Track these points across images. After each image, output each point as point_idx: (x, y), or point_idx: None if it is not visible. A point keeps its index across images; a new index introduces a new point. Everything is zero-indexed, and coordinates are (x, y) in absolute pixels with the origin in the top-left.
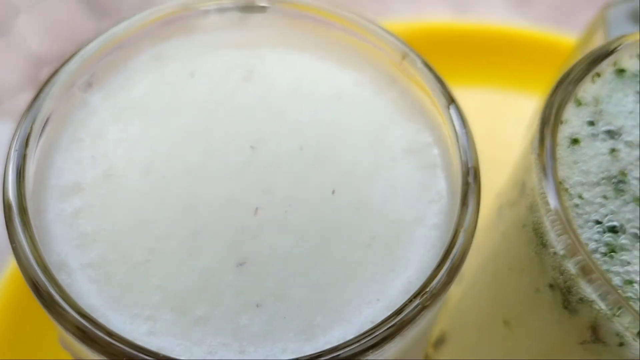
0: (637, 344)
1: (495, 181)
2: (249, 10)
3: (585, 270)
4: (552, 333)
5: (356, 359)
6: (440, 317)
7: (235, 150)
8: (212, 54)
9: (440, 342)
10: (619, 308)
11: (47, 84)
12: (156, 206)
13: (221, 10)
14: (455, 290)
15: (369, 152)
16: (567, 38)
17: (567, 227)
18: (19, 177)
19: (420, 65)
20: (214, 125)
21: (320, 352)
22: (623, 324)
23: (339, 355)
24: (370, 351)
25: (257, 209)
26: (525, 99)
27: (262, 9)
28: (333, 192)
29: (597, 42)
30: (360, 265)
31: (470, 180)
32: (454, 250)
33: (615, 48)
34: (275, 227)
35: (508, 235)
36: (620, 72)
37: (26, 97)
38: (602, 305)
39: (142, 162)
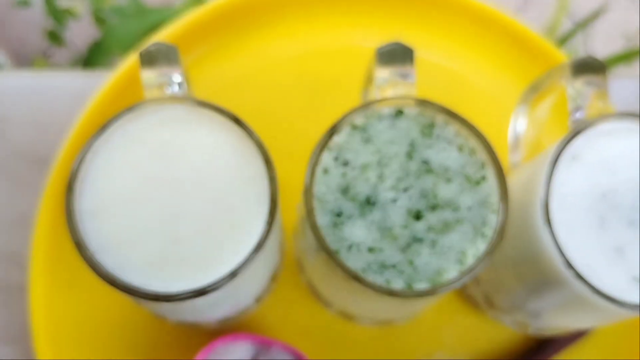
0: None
1: None
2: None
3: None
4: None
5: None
6: None
7: (168, 185)
8: (152, 129)
9: None
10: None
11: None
12: (135, 214)
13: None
14: None
15: (233, 179)
16: None
17: (310, 213)
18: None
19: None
20: (156, 171)
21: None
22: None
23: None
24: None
25: (177, 214)
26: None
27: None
28: (214, 202)
29: None
30: (226, 239)
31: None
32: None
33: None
34: (188, 220)
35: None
36: (354, 127)
37: None
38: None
39: (122, 196)
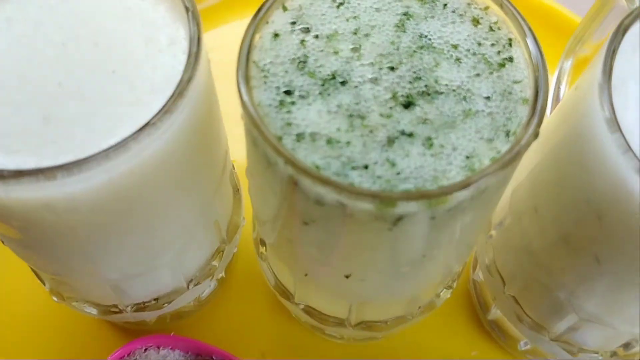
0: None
1: None
2: None
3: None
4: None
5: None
6: None
7: (53, 46)
8: None
9: None
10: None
11: None
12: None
13: None
14: None
15: (144, 45)
16: None
17: (245, 85)
18: None
19: None
20: (39, 30)
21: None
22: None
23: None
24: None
25: (60, 82)
26: None
27: None
28: (113, 71)
29: None
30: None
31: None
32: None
33: None
34: (69, 92)
35: None
36: None
37: None
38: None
39: None
